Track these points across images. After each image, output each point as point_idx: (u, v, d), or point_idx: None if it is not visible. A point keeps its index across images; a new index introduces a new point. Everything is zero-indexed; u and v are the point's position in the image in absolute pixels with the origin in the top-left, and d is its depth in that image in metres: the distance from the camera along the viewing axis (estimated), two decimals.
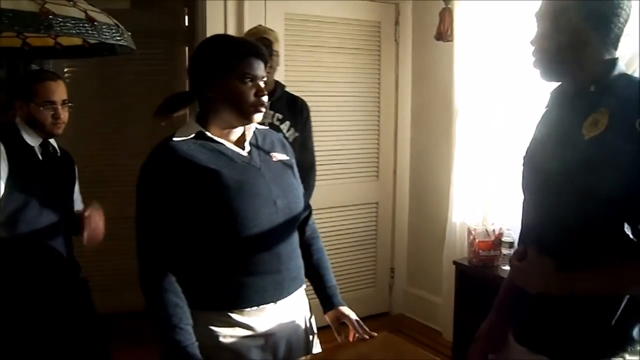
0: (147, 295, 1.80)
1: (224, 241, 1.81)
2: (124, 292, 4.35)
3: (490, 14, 3.76)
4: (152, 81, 4.44)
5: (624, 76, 1.62)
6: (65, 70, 4.09)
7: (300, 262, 1.99)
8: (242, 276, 1.83)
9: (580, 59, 1.63)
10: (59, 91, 2.52)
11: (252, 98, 1.81)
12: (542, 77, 1.72)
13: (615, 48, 1.64)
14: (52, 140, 2.61)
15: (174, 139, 1.82)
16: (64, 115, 2.54)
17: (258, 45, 1.88)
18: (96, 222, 2.65)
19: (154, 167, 1.82)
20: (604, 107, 1.55)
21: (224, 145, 1.86)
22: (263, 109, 1.85)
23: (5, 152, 2.39)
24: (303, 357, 1.98)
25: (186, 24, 4.45)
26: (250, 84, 1.81)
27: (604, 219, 1.55)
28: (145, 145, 4.46)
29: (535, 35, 1.70)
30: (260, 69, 1.83)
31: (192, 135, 1.83)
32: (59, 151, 2.66)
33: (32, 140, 2.52)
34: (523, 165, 1.83)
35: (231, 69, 1.80)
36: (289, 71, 3.85)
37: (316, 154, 3.45)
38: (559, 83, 1.75)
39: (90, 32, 1.46)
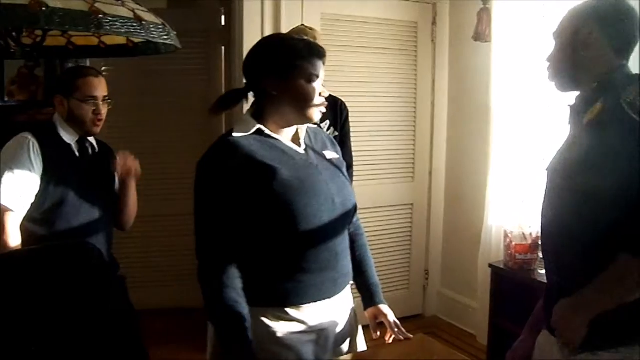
0: (206, 291, 1.82)
1: (285, 239, 1.83)
2: (159, 288, 4.42)
3: (528, 14, 3.72)
4: (188, 80, 4.47)
5: (627, 75, 1.78)
6: (103, 69, 4.13)
7: (350, 258, 2.01)
8: (301, 273, 1.84)
9: (595, 71, 1.78)
10: (101, 87, 2.52)
11: (316, 98, 1.84)
12: (558, 89, 1.91)
13: (627, 60, 1.81)
14: (89, 137, 2.63)
15: (234, 135, 1.83)
16: (104, 111, 2.54)
17: (321, 46, 1.90)
18: (128, 157, 2.67)
19: (216, 162, 1.82)
20: (603, 97, 1.72)
21: (282, 142, 1.88)
22: (323, 109, 1.89)
23: (41, 149, 2.41)
24: (345, 356, 1.99)
25: (223, 23, 4.47)
26: (315, 84, 1.84)
27: (608, 210, 1.64)
28: (181, 144, 4.53)
29: (552, 53, 1.87)
30: (322, 69, 1.86)
31: (252, 132, 1.84)
32: (97, 147, 2.66)
33: (69, 138, 2.53)
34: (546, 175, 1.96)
35: (300, 68, 1.82)
36: (326, 71, 3.84)
37: (353, 154, 3.44)
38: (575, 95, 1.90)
39: (138, 31, 1.47)
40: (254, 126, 1.85)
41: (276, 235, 1.82)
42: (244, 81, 1.93)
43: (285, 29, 3.72)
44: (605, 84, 1.75)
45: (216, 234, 1.83)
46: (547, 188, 1.94)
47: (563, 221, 1.82)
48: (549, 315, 1.84)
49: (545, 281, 3.23)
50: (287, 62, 1.82)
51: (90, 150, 2.61)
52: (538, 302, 2.13)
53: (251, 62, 1.89)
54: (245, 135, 1.83)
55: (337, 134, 3.29)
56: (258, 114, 1.88)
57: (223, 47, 4.48)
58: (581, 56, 1.79)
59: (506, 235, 3.67)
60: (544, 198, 1.95)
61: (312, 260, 1.85)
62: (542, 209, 1.96)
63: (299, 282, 1.84)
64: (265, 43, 1.92)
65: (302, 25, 3.31)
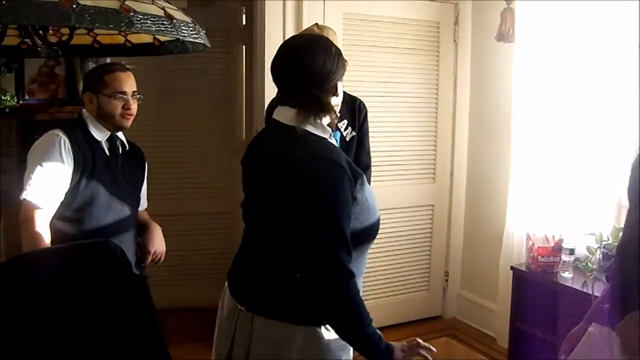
0: (346, 297, 1.73)
1: (365, 242, 1.86)
2: (175, 287, 4.42)
3: (552, 15, 3.67)
4: (208, 80, 4.48)
5: None
6: None
7: None
8: (360, 277, 1.88)
9: None
10: (129, 82, 2.52)
11: None
12: None
13: None
14: (120, 134, 2.61)
15: (325, 137, 1.83)
16: (134, 106, 2.54)
17: None
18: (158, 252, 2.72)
19: (339, 163, 1.76)
20: None
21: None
22: None
23: (72, 147, 2.40)
24: None
25: (244, 22, 4.46)
26: None
27: None
28: (201, 143, 4.51)
29: None
30: None
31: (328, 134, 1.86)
32: (127, 145, 2.66)
33: (100, 135, 2.52)
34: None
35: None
36: (347, 71, 3.81)
37: (373, 155, 3.41)
38: None
39: (169, 29, 1.44)
40: (328, 130, 1.85)
41: (359, 239, 1.82)
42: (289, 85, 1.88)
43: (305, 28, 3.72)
44: None
45: (347, 238, 1.74)
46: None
47: None
48: (613, 320, 1.89)
49: (567, 284, 3.27)
50: (342, 64, 1.86)
51: (120, 148, 2.61)
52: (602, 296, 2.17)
53: (321, 66, 1.81)
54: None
55: (354, 134, 3.24)
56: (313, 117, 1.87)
57: (244, 47, 4.46)
58: None
59: (528, 238, 3.64)
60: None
61: (365, 261, 1.90)
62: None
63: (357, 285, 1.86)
64: (330, 46, 1.87)
65: (316, 24, 3.27)
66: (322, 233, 1.72)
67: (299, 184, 1.74)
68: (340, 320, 1.75)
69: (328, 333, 1.83)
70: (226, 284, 2.03)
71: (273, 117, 1.90)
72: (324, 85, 1.82)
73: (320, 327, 1.83)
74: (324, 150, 1.79)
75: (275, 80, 1.88)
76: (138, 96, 2.55)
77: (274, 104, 2.12)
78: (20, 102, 4.06)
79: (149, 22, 1.37)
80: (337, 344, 1.85)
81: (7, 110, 3.92)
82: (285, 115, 1.85)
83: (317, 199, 1.72)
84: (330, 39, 2.98)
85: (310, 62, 1.80)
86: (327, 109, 1.82)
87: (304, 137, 1.80)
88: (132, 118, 2.54)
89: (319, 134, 1.82)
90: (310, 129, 1.81)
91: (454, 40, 4.41)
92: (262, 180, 1.88)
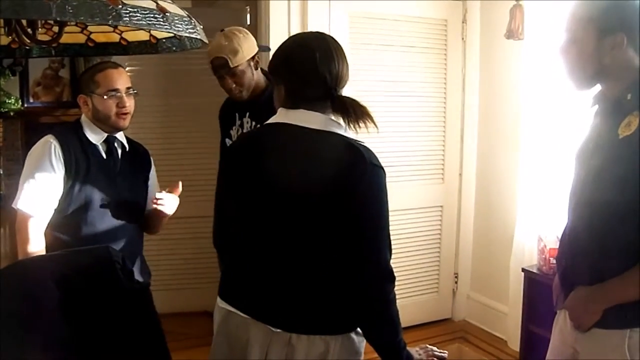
0: (394, 302, 1.78)
1: None
2: (179, 291, 4.38)
3: (562, 11, 3.59)
4: (213, 80, 4.41)
5: None
6: (127, 69, 4.10)
7: None
8: None
9: (618, 67, 1.76)
10: (122, 79, 2.46)
11: None
12: (578, 88, 1.91)
13: None
14: (119, 135, 2.55)
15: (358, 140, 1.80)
16: (130, 103, 2.47)
17: None
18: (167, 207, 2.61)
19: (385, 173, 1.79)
20: (637, 110, 1.71)
21: None
22: None
23: (64, 152, 2.36)
24: None
25: (248, 22, 4.41)
26: None
27: (634, 215, 1.69)
28: (206, 145, 4.48)
29: (567, 47, 1.85)
30: None
31: None
32: (127, 146, 2.59)
33: (95, 138, 2.46)
34: (575, 160, 2.02)
35: None
36: (354, 70, 3.75)
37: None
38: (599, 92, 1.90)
39: (161, 23, 1.37)
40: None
41: None
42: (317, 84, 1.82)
43: (312, 28, 3.66)
44: (637, 92, 1.74)
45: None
46: (577, 179, 1.99)
47: (594, 212, 1.86)
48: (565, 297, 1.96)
49: None
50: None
51: (119, 150, 2.55)
52: None
53: (341, 65, 1.82)
54: None
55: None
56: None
57: None
58: (606, 59, 1.77)
59: (540, 239, 3.57)
60: (574, 189, 2.02)
61: None
62: (571, 194, 2.02)
63: None
64: (337, 43, 1.86)
65: (223, 34, 3.13)
66: (378, 241, 1.73)
67: (358, 192, 1.71)
68: (384, 325, 1.77)
69: (357, 337, 1.84)
70: (231, 310, 1.98)
71: (286, 121, 1.83)
72: (333, 86, 1.81)
73: (351, 333, 1.82)
74: (374, 157, 1.77)
75: (292, 84, 1.84)
76: (133, 92, 2.49)
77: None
78: (25, 105, 4.04)
79: (139, 15, 1.30)
80: (361, 346, 1.85)
81: (12, 113, 3.90)
82: (308, 119, 1.79)
83: (377, 207, 1.73)
84: (248, 42, 2.89)
85: (337, 65, 1.80)
86: (365, 110, 1.79)
87: (351, 144, 1.76)
88: (129, 117, 2.48)
89: (352, 137, 1.79)
90: (340, 131, 1.78)
91: (462, 39, 4.36)
92: (291, 190, 1.77)
